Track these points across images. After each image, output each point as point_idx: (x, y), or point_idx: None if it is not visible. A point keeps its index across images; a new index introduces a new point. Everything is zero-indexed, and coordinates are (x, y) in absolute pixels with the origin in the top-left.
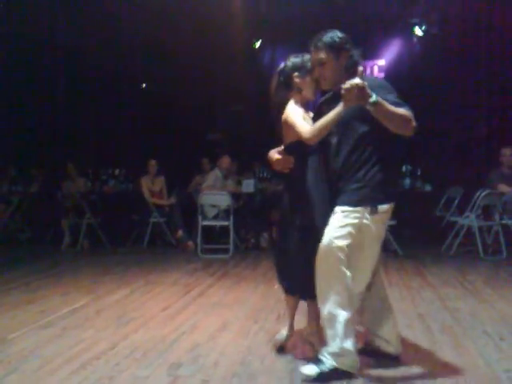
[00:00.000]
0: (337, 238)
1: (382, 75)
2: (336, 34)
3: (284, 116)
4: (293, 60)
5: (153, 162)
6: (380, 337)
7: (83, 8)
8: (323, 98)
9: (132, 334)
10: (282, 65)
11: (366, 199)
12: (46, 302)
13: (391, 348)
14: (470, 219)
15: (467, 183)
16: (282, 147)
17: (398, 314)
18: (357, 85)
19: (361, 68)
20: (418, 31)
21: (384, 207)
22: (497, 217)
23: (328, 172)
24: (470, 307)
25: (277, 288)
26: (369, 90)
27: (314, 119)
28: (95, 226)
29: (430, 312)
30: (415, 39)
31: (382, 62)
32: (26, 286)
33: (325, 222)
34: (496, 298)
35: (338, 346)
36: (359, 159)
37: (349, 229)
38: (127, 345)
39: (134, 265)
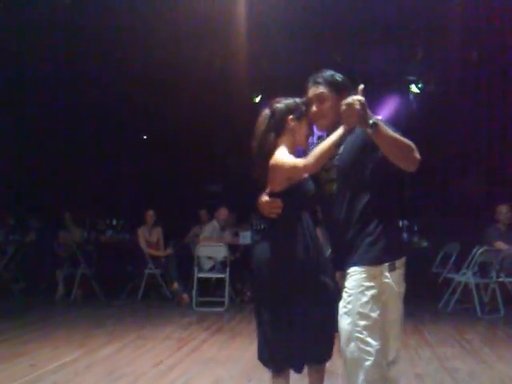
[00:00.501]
0: (361, 314)
1: None
2: (337, 74)
3: (272, 161)
4: (286, 102)
5: (150, 213)
6: None
7: (84, 63)
8: (319, 141)
9: None
10: (270, 108)
11: (384, 255)
12: (37, 355)
13: None
14: (467, 276)
15: (464, 240)
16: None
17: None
18: (359, 100)
19: (361, 86)
20: (415, 88)
21: (401, 261)
22: (494, 274)
23: (327, 224)
24: (468, 367)
25: None
26: (369, 111)
27: None
28: (90, 276)
29: (429, 372)
30: (412, 96)
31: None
32: (17, 339)
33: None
34: (495, 359)
35: None
36: (367, 208)
37: (373, 292)
38: None
39: (127, 318)
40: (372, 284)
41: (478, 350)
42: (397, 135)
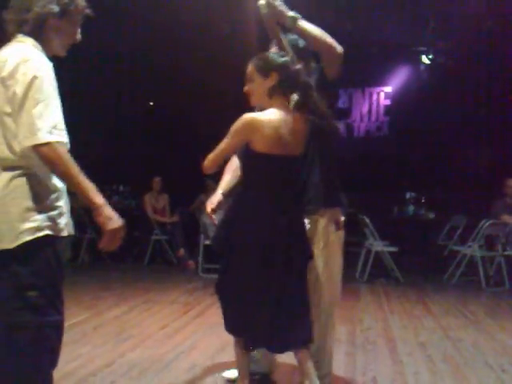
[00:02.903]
0: None
1: (388, 102)
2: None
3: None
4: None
5: (157, 179)
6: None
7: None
8: None
9: (129, 352)
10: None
11: None
12: None
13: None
14: (473, 249)
15: (471, 212)
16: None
17: (399, 342)
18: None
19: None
20: (425, 59)
21: None
22: (500, 247)
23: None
24: (471, 338)
25: None
26: (285, 8)
27: None
28: (97, 241)
29: (432, 341)
30: (422, 67)
31: (388, 89)
32: None
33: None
34: (498, 330)
35: None
36: None
37: None
38: (124, 363)
39: (134, 282)
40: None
41: (482, 320)
42: (317, 30)
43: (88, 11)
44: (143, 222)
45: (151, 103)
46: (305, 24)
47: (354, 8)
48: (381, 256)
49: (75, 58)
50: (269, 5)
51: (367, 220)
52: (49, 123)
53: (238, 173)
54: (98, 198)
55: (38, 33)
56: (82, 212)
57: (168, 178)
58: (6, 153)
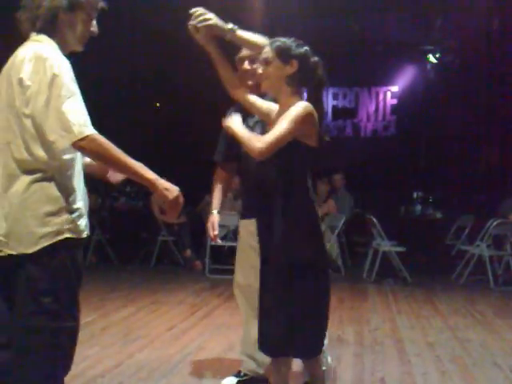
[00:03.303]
0: None
1: (395, 101)
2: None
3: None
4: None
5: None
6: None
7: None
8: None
9: (137, 353)
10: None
11: None
12: None
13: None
14: (481, 248)
15: (479, 211)
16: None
17: (408, 342)
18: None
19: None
20: (432, 58)
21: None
22: (508, 247)
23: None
24: (480, 338)
25: None
26: (220, 21)
27: None
28: (104, 242)
29: (440, 341)
30: (429, 66)
31: (395, 88)
32: None
33: None
34: (506, 329)
35: None
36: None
37: None
38: (132, 364)
39: (141, 283)
40: None
41: (490, 320)
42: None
43: (102, 4)
44: (150, 222)
45: (157, 104)
46: (243, 33)
47: (360, 7)
48: (388, 256)
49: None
50: (200, 29)
51: (374, 220)
52: (81, 117)
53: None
54: (150, 174)
55: (51, 29)
56: (89, 213)
57: (174, 179)
58: (25, 155)
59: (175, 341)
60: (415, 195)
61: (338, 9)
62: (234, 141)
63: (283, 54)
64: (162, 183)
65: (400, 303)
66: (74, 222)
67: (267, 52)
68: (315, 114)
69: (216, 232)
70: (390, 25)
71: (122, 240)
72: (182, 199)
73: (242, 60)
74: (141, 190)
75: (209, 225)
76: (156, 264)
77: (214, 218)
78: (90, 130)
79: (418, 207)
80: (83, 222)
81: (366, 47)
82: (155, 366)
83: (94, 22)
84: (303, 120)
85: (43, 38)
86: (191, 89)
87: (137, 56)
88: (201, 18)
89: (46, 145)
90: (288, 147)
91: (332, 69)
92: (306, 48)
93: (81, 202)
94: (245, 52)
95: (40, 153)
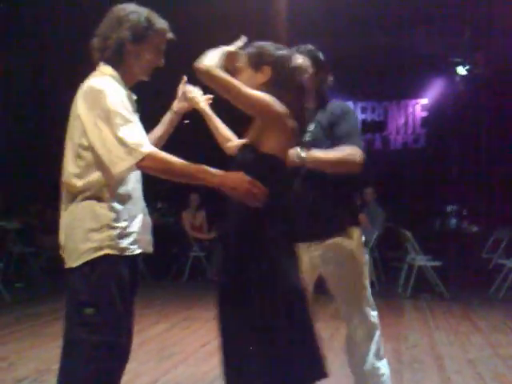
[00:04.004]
0: None
1: (424, 114)
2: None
3: None
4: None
5: (195, 197)
6: None
7: None
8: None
9: (172, 370)
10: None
11: None
12: None
13: None
14: None
15: None
16: None
17: (447, 359)
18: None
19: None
20: (462, 70)
21: None
22: None
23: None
24: None
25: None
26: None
27: None
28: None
29: (481, 358)
30: (458, 78)
31: (424, 101)
32: None
33: None
34: None
35: None
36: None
37: None
38: (168, 380)
39: (174, 299)
40: None
41: None
42: (327, 156)
43: (171, 36)
44: (181, 238)
45: (187, 121)
46: (311, 158)
47: (387, 20)
48: (424, 271)
49: None
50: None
51: (409, 234)
52: (136, 138)
53: None
54: (214, 179)
55: (118, 59)
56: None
57: (205, 195)
58: (77, 182)
59: (209, 357)
60: (449, 209)
61: (365, 23)
62: None
63: (254, 61)
64: (227, 185)
65: (437, 319)
66: (114, 239)
67: (240, 57)
68: (289, 123)
69: None
70: (418, 37)
71: (154, 256)
72: (251, 185)
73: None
74: (172, 206)
75: None
76: (188, 280)
77: None
78: (148, 148)
79: (453, 221)
80: (126, 241)
81: (394, 60)
82: (190, 383)
83: (161, 54)
84: (271, 104)
85: (107, 69)
86: (218, 104)
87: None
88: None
89: (105, 172)
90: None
91: (361, 83)
92: (282, 52)
93: (124, 221)
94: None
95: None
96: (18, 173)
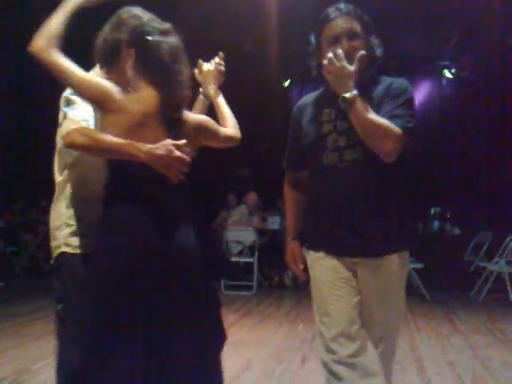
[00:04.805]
0: None
1: None
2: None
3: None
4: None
5: None
6: None
7: None
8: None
9: None
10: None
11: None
12: None
13: None
14: (500, 265)
15: (497, 227)
16: None
17: (427, 361)
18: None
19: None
20: (448, 73)
21: None
22: None
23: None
24: (501, 357)
25: (301, 329)
26: (351, 83)
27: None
28: None
29: (461, 360)
30: (445, 81)
31: None
32: (50, 317)
33: None
34: None
35: None
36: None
37: None
38: None
39: None
40: None
41: None
42: (373, 116)
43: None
44: None
45: None
46: (357, 107)
47: (374, 22)
48: None
49: None
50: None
51: None
52: (71, 126)
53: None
54: (131, 150)
55: (113, 62)
56: None
57: (190, 196)
58: (57, 178)
59: None
60: (433, 211)
61: None
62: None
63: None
64: (142, 153)
65: (419, 321)
66: (69, 237)
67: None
68: (133, 110)
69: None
70: (405, 40)
71: None
72: (172, 156)
73: None
74: None
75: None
76: None
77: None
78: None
79: (436, 223)
80: (81, 239)
81: (381, 63)
82: None
83: None
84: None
85: (99, 71)
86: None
87: None
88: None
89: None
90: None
91: None
92: (145, 21)
93: (82, 221)
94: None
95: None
96: (2, 171)
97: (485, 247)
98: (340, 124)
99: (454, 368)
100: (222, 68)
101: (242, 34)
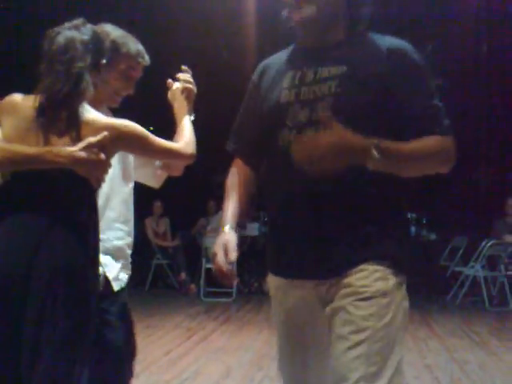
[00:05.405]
0: None
1: None
2: None
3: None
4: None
5: (158, 204)
6: None
7: None
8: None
9: (133, 379)
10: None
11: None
12: None
13: None
14: (476, 269)
15: (472, 232)
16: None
17: (405, 365)
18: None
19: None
20: None
21: None
22: (502, 267)
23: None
24: (478, 359)
25: None
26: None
27: None
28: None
29: (438, 363)
30: None
31: None
32: None
33: None
34: (504, 350)
35: None
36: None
37: None
38: None
39: (136, 307)
40: None
41: (487, 341)
42: (413, 148)
43: (143, 60)
44: (144, 246)
45: (151, 128)
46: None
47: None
48: None
49: None
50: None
51: None
52: None
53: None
54: (49, 157)
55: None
56: None
57: (168, 202)
58: None
59: (172, 366)
60: (409, 216)
61: None
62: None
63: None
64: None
65: None
66: None
67: None
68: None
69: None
70: None
71: None
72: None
73: None
74: (134, 213)
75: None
76: (150, 288)
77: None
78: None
79: (412, 229)
80: None
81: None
82: None
83: (131, 80)
84: None
85: None
86: None
87: None
88: None
89: None
90: None
91: None
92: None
93: None
94: None
95: None
96: None
97: (460, 252)
98: (305, 91)
99: (431, 371)
100: (189, 85)
101: (218, 42)
